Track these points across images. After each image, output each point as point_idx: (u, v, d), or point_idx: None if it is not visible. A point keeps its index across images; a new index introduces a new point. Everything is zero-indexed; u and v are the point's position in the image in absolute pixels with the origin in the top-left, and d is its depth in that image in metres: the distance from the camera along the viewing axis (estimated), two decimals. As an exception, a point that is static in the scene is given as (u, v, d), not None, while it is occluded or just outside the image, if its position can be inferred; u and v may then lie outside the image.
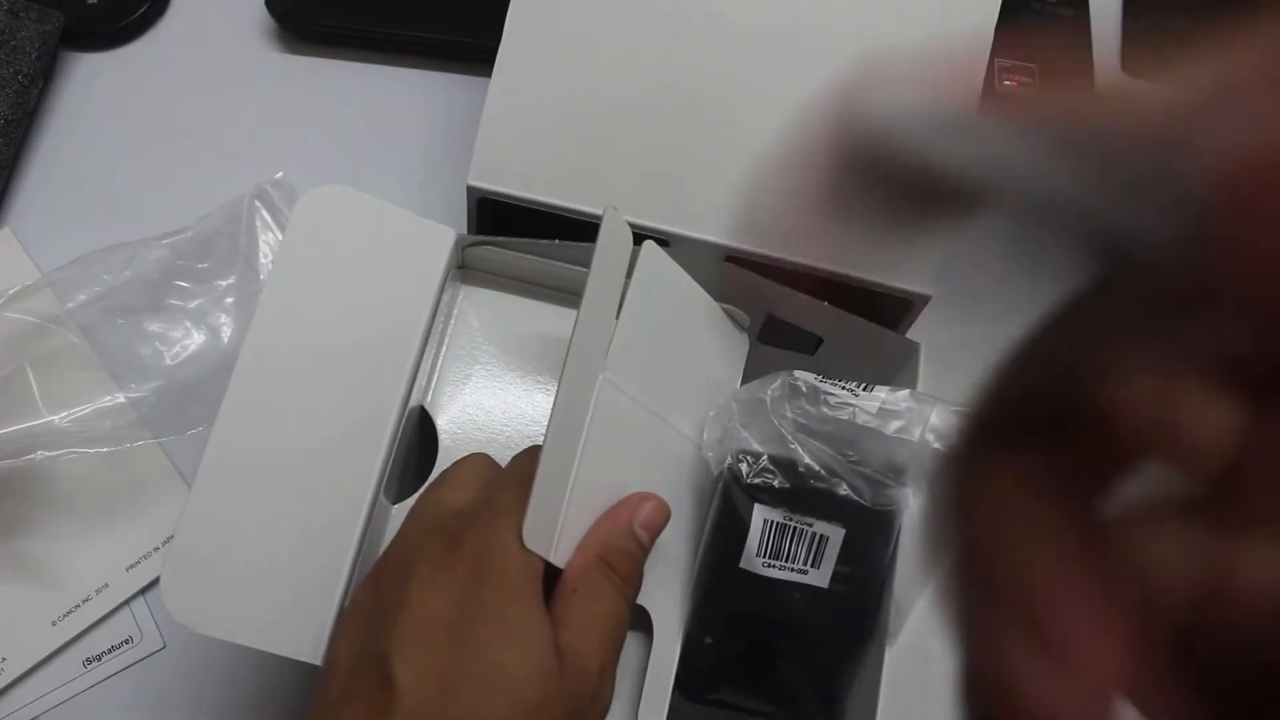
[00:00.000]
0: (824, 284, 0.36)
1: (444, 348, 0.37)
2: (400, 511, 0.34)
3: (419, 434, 0.37)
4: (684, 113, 0.37)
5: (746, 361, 0.38)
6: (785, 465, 0.32)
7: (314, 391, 0.32)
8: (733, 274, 0.37)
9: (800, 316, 0.37)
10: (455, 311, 0.38)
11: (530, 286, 0.38)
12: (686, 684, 0.34)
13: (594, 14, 0.37)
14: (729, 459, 0.33)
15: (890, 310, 0.38)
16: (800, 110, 0.35)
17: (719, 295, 0.36)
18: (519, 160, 0.37)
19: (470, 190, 0.37)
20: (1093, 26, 0.52)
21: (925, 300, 0.37)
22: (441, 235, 0.35)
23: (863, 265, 0.36)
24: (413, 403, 0.34)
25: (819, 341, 0.38)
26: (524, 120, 0.37)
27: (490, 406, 0.37)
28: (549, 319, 0.38)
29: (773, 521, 0.33)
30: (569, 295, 0.38)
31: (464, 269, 0.38)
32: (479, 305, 0.38)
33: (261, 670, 0.40)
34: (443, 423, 0.36)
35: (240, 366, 0.32)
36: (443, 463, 0.36)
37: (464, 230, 0.39)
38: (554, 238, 0.36)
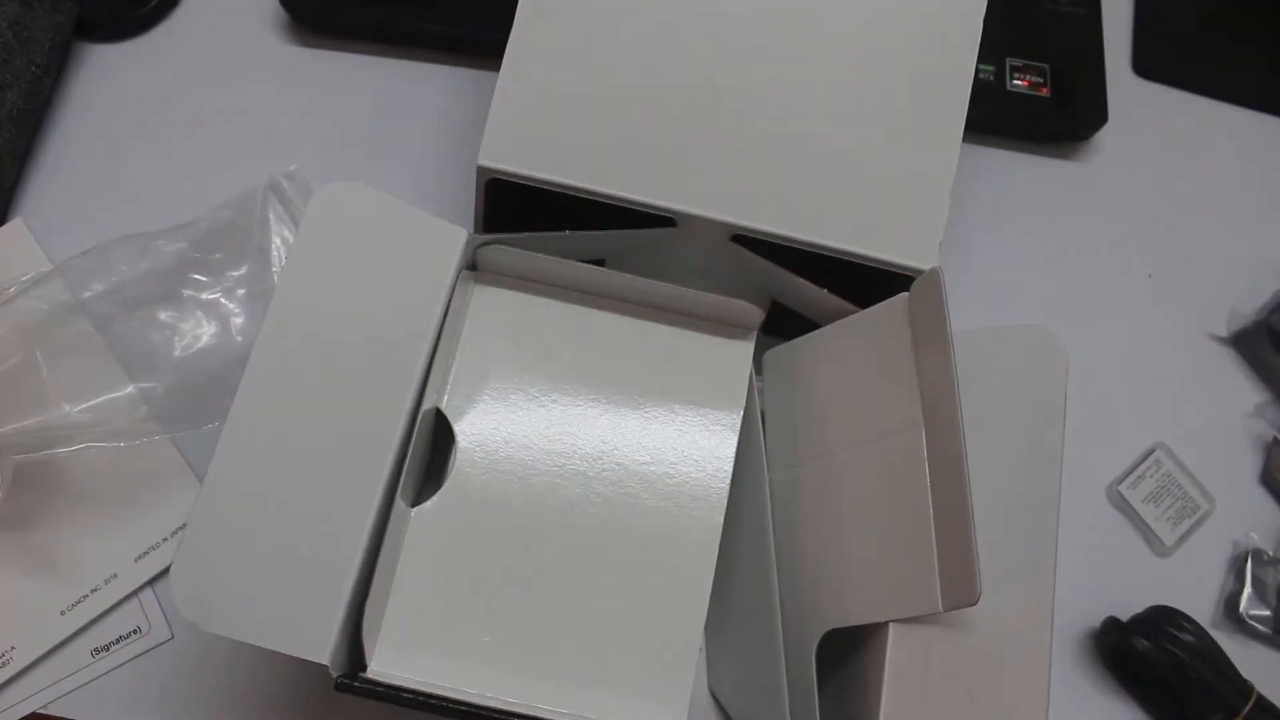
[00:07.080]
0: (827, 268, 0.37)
1: (457, 349, 0.37)
2: (418, 516, 0.35)
3: (436, 437, 0.37)
4: (694, 92, 0.37)
5: (756, 351, 0.39)
6: None
7: (325, 391, 0.32)
8: (740, 256, 0.37)
9: (803, 304, 0.38)
10: (467, 312, 0.38)
11: (541, 285, 0.38)
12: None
13: None
14: None
15: (892, 288, 0.38)
16: (805, 89, 0.36)
17: (727, 280, 0.37)
18: (529, 140, 0.37)
19: (480, 170, 0.37)
20: (1104, 27, 0.52)
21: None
22: (452, 235, 0.35)
23: (863, 241, 0.37)
24: (427, 405, 0.34)
25: None
26: (534, 101, 0.37)
27: (506, 407, 0.37)
28: (560, 317, 0.38)
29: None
30: (580, 294, 0.38)
31: (475, 269, 0.38)
32: (491, 305, 0.38)
33: (267, 662, 0.40)
34: (459, 425, 0.36)
35: (252, 365, 0.32)
36: (460, 465, 0.36)
37: (474, 217, 0.39)
38: (563, 218, 0.36)
